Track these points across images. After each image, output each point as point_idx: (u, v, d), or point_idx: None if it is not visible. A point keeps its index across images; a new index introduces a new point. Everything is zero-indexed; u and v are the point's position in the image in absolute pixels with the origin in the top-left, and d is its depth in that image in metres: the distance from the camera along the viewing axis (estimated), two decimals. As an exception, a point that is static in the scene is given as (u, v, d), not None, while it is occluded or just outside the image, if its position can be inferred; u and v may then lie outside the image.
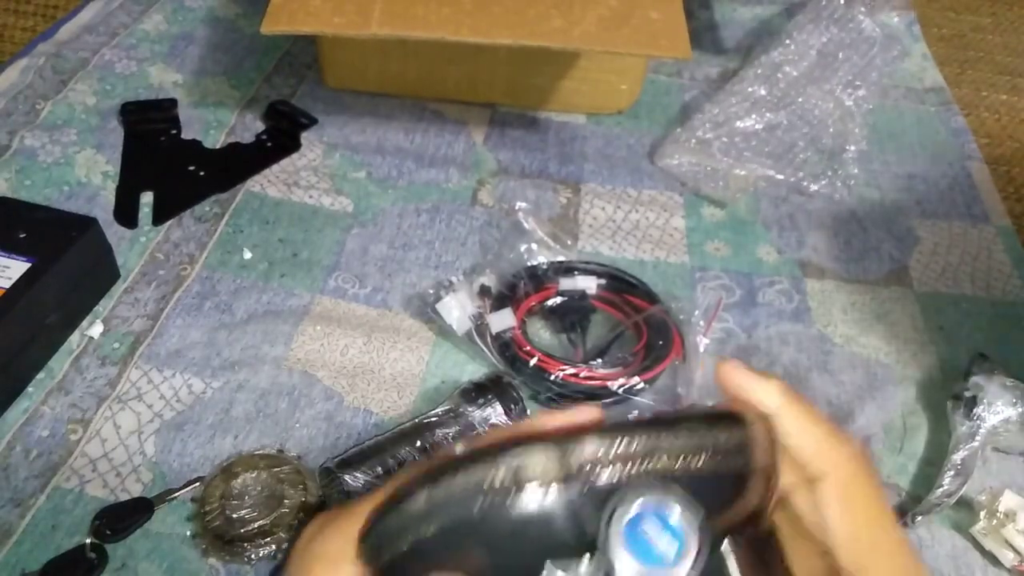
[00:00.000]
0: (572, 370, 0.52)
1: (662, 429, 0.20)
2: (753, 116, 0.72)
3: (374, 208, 0.66)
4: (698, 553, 0.19)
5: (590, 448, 0.19)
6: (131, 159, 0.67)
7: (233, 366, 0.53)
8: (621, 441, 0.19)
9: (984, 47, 0.96)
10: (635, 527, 0.18)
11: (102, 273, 0.57)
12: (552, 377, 0.52)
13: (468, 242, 0.64)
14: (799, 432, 0.25)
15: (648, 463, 0.19)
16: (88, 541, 0.44)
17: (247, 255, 0.61)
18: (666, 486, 0.19)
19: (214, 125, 0.72)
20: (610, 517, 0.19)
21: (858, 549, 0.25)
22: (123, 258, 0.60)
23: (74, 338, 0.54)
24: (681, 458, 0.20)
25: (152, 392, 0.52)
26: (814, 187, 0.70)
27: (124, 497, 0.46)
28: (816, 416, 0.26)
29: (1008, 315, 0.62)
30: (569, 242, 0.64)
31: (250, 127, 0.72)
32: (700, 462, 0.20)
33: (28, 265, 0.51)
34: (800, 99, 0.73)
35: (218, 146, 0.70)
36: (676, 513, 0.19)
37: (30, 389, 0.51)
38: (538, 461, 0.19)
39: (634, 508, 0.19)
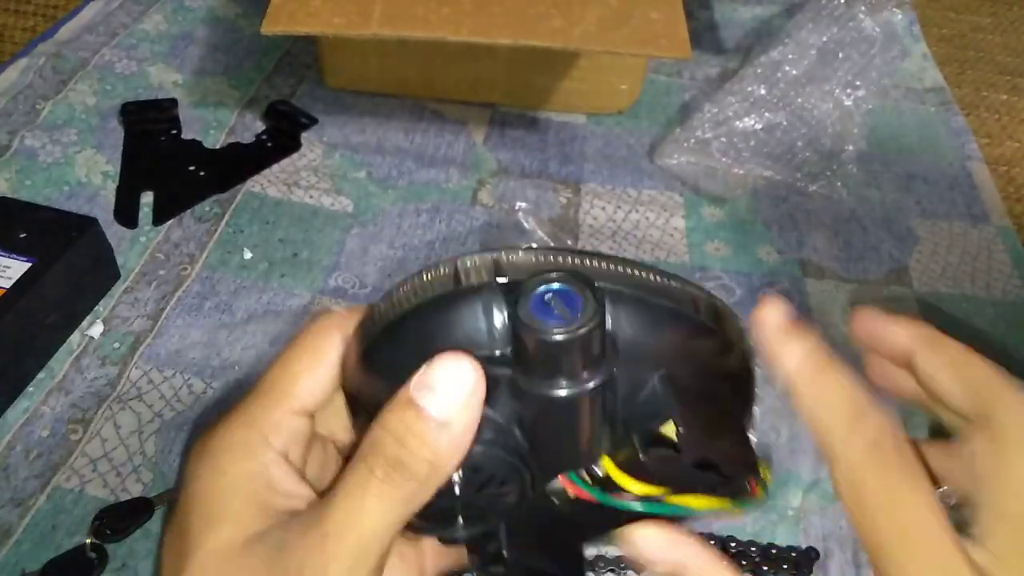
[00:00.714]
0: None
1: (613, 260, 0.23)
2: (752, 116, 0.72)
3: (374, 208, 0.66)
4: (596, 310, 0.21)
5: (521, 255, 0.22)
6: (131, 159, 0.68)
7: (234, 366, 0.53)
8: (557, 256, 0.22)
9: (984, 47, 0.96)
10: (539, 301, 0.21)
11: (102, 273, 0.57)
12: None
13: (468, 242, 0.64)
14: (946, 371, 0.24)
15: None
16: (88, 541, 0.44)
17: (247, 255, 0.61)
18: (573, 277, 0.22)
19: (214, 125, 0.72)
20: (516, 300, 0.21)
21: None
22: (123, 258, 0.60)
23: (74, 338, 0.54)
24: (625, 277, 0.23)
25: (152, 392, 0.52)
26: (812, 187, 0.70)
27: (124, 497, 0.46)
28: (968, 357, 0.24)
29: (1008, 315, 0.62)
30: (569, 242, 0.64)
31: (250, 127, 0.72)
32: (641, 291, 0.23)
33: (28, 265, 0.51)
34: (800, 99, 0.73)
35: (218, 146, 0.70)
36: (573, 288, 0.21)
37: (30, 389, 0.51)
38: (474, 256, 0.22)
39: (538, 288, 0.21)
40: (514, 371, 0.22)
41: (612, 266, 0.23)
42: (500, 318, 0.22)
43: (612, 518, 0.26)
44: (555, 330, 0.21)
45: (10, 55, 0.79)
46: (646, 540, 0.24)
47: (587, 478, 0.25)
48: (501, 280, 0.22)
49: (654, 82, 0.82)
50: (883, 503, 0.23)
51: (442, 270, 0.23)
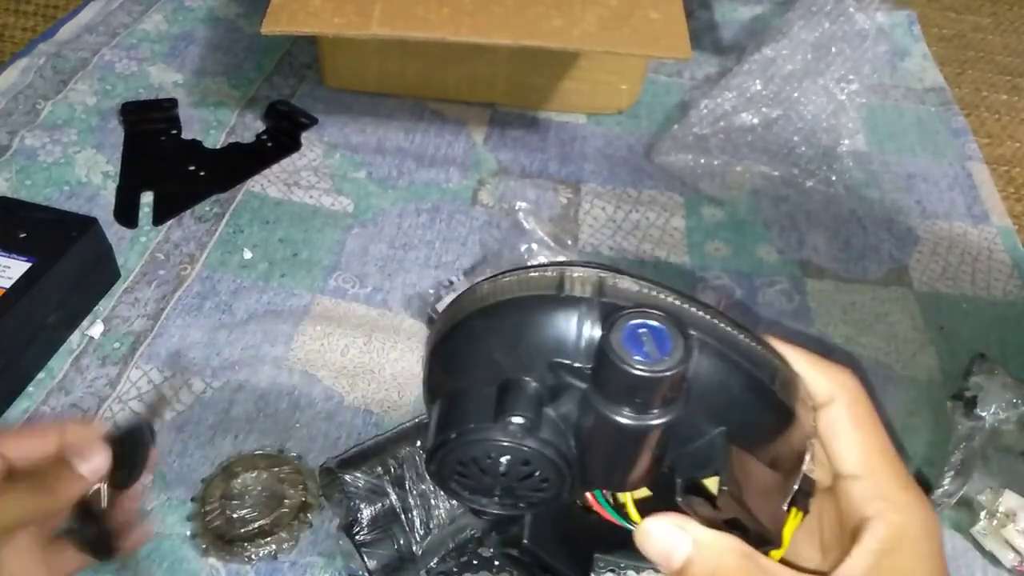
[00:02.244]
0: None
1: (715, 314, 0.24)
2: (749, 112, 0.72)
3: (374, 208, 0.66)
4: (683, 358, 0.22)
5: (625, 283, 0.24)
6: (131, 159, 0.68)
7: (233, 366, 0.53)
8: (660, 293, 0.24)
9: (984, 47, 0.96)
10: (633, 332, 0.22)
11: (102, 273, 0.57)
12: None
13: (468, 242, 0.64)
14: (796, 361, 0.25)
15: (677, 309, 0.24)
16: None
17: (247, 255, 0.61)
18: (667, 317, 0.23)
19: (214, 125, 0.72)
20: (612, 324, 0.22)
21: (873, 470, 0.25)
22: (123, 258, 0.60)
23: (74, 338, 0.54)
24: (717, 331, 0.24)
25: (152, 392, 0.52)
26: (809, 183, 0.70)
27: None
28: (807, 351, 0.26)
29: (1008, 315, 0.62)
30: (569, 242, 0.64)
31: (250, 127, 0.72)
32: (736, 354, 0.24)
33: (28, 265, 0.51)
34: (796, 94, 0.73)
35: (218, 146, 0.70)
36: (668, 329, 0.22)
37: (30, 389, 0.51)
38: (581, 269, 0.24)
39: (635, 319, 0.22)
40: (589, 386, 0.23)
41: (708, 316, 0.24)
42: (590, 334, 0.23)
43: (625, 536, 0.26)
44: (639, 366, 0.21)
45: (10, 55, 0.80)
46: (656, 527, 0.24)
47: (610, 499, 0.26)
48: (603, 300, 0.23)
49: (654, 82, 0.82)
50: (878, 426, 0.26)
51: (549, 273, 0.24)
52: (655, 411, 0.22)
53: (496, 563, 0.44)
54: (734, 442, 0.24)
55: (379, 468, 0.44)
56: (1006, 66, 0.92)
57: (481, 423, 0.24)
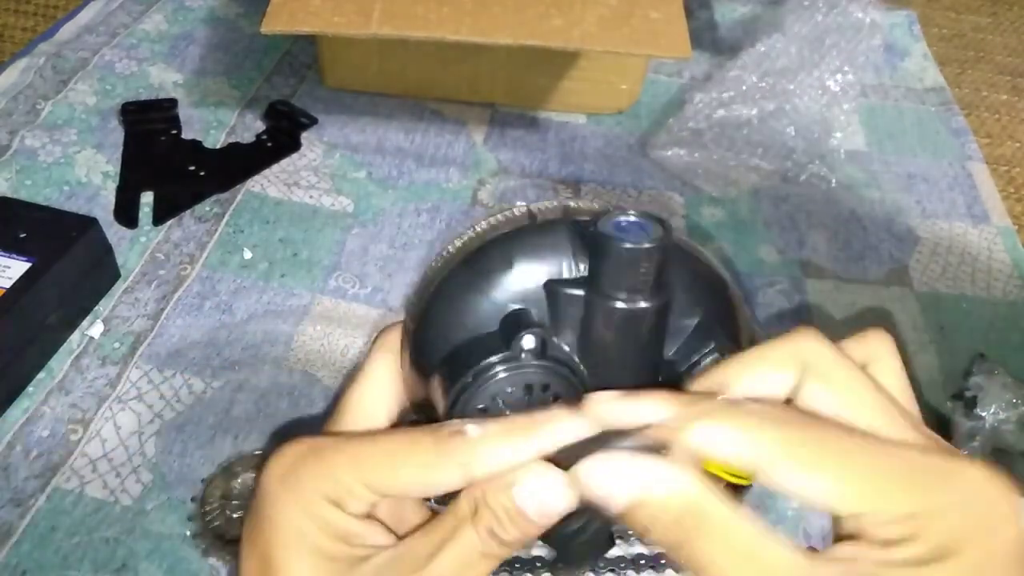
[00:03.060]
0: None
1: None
2: (743, 105, 0.72)
3: (374, 208, 0.66)
4: (664, 236, 0.24)
5: (586, 203, 0.27)
6: (131, 159, 0.67)
7: (233, 366, 0.53)
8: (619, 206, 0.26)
9: (984, 47, 0.96)
10: (617, 225, 0.25)
11: (102, 273, 0.57)
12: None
13: (468, 242, 0.64)
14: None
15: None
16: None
17: (247, 255, 0.61)
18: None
19: (214, 125, 0.72)
20: (597, 223, 0.25)
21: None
22: (123, 258, 0.60)
23: (74, 338, 0.54)
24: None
25: (152, 392, 0.52)
26: (803, 176, 0.70)
27: (124, 499, 0.46)
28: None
29: (1008, 315, 0.62)
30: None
31: (250, 127, 0.72)
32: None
33: (28, 265, 0.51)
34: (791, 86, 0.73)
35: (218, 146, 0.70)
36: (645, 220, 0.25)
37: (30, 389, 0.51)
38: (544, 204, 0.27)
39: (616, 217, 0.25)
40: (587, 288, 0.25)
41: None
42: (578, 244, 0.26)
43: None
44: (628, 243, 0.24)
45: (10, 55, 0.80)
46: (592, 469, 0.23)
47: None
48: (575, 219, 0.26)
49: (654, 82, 0.82)
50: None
51: (516, 212, 0.27)
52: (647, 295, 0.25)
53: (496, 563, 0.44)
54: (711, 323, 0.27)
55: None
56: (1006, 66, 0.93)
57: (494, 356, 0.25)
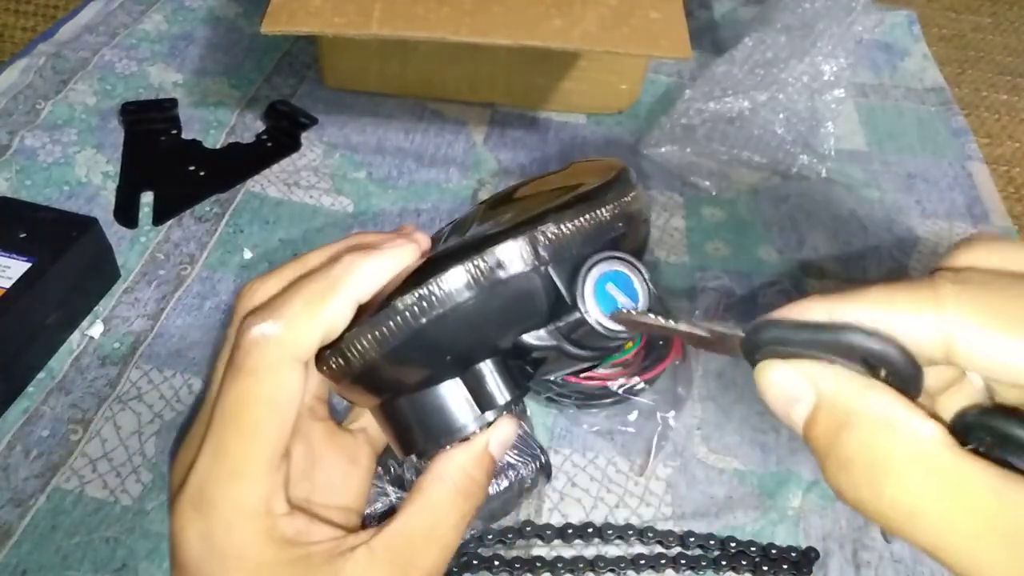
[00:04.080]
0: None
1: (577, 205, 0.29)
2: (735, 98, 0.72)
3: (374, 208, 0.66)
4: (648, 299, 0.27)
5: (552, 229, 0.27)
6: (131, 159, 0.68)
7: (233, 366, 0.53)
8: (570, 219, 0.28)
9: (984, 47, 0.96)
10: (601, 286, 0.26)
11: (102, 273, 0.57)
12: (551, 377, 0.52)
13: (468, 242, 0.64)
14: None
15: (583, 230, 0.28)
16: None
17: (247, 255, 0.61)
18: (623, 259, 0.28)
19: (214, 125, 0.72)
20: (583, 280, 0.26)
21: None
22: (123, 258, 0.60)
23: (74, 338, 0.54)
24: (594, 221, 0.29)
25: (152, 392, 0.52)
26: (795, 168, 0.70)
27: (124, 499, 0.46)
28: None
29: (1008, 315, 0.62)
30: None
31: (250, 127, 0.72)
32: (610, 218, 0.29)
33: (28, 265, 0.51)
34: (784, 75, 0.72)
35: (218, 146, 0.70)
36: (633, 278, 0.27)
37: (30, 389, 0.51)
38: (512, 247, 0.27)
39: (600, 271, 0.27)
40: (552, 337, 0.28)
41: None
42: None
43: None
44: (617, 341, 0.28)
45: (10, 55, 0.80)
46: (778, 373, 0.21)
47: None
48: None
49: (654, 82, 0.82)
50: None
51: (444, 231, 0.31)
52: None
53: (496, 563, 0.44)
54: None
55: (379, 468, 0.44)
56: (1006, 66, 0.93)
57: (467, 427, 0.29)
